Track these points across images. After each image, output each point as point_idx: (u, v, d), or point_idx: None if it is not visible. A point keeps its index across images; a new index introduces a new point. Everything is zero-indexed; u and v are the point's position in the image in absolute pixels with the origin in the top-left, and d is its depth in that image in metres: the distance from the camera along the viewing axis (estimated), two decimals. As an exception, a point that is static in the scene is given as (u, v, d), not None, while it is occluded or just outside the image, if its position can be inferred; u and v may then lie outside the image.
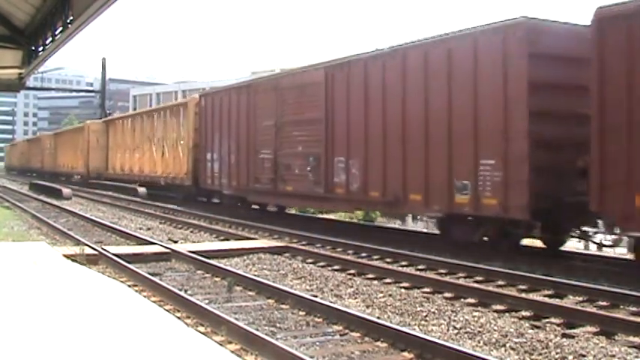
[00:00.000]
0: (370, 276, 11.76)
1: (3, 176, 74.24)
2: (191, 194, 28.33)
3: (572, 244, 15.55)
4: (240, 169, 23.04)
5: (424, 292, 10.36)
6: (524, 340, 7.55)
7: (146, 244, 15.08)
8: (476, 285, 10.72)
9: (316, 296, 9.84)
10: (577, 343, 7.50)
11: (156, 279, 10.68)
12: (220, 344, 6.63)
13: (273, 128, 20.58)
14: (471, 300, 9.75)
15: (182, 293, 9.57)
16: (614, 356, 7.05)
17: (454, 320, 8.51)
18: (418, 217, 22.34)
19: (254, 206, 23.81)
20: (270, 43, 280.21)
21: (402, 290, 10.53)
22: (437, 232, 16.26)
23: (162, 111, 33.50)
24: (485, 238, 14.06)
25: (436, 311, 9.01)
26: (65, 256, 11.70)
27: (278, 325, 8.18)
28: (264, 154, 21.21)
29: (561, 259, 13.38)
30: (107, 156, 42.85)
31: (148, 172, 33.68)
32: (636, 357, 7.07)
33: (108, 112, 61.34)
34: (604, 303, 9.52)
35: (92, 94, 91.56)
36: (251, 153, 22.01)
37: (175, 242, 16.00)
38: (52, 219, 21.09)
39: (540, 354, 7.10)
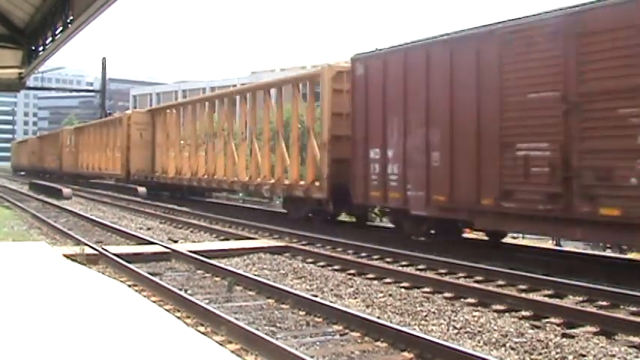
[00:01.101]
0: (370, 276, 11.76)
1: (8, 177, 69.48)
2: (327, 213, 19.63)
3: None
4: (455, 174, 14.39)
5: (424, 292, 10.36)
6: (524, 340, 7.55)
7: (146, 243, 15.08)
8: (476, 285, 10.73)
9: (316, 296, 9.84)
10: (577, 343, 7.50)
11: (156, 279, 10.68)
12: (220, 344, 6.63)
13: (557, 104, 12.22)
14: (471, 300, 9.75)
15: (182, 293, 9.57)
16: (614, 356, 7.05)
17: (454, 320, 8.51)
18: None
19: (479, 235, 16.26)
20: (270, 43, 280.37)
21: (402, 290, 10.53)
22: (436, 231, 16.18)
23: (258, 91, 24.66)
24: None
25: (436, 311, 9.01)
26: (65, 255, 11.70)
27: (278, 324, 8.18)
28: (528, 148, 12.77)
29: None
30: (154, 155, 34.25)
31: (235, 177, 24.87)
32: (636, 357, 7.07)
33: (108, 111, 61.39)
34: (604, 303, 9.52)
35: (92, 93, 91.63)
36: (485, 147, 13.60)
37: (175, 242, 16.00)
38: (52, 219, 21.08)
39: (540, 354, 7.10)
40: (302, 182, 20.33)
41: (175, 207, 25.83)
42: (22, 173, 73.31)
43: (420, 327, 8.24)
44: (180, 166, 30.42)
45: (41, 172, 61.49)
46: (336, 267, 12.71)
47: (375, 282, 11.25)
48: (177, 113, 32.13)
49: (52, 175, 56.53)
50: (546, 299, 9.82)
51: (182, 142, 30.83)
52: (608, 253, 14.46)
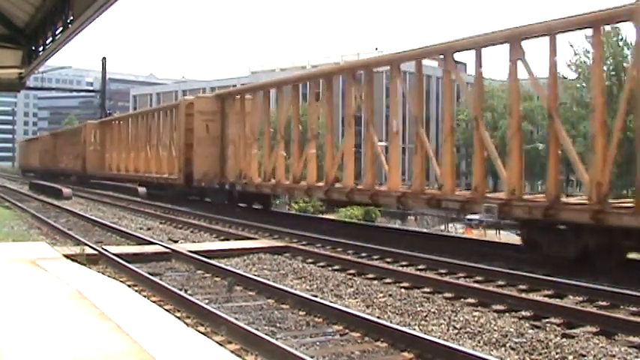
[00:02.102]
0: (370, 276, 11.75)
1: (9, 177, 66.41)
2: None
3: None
4: None
5: (424, 292, 10.36)
6: (525, 340, 7.55)
7: (146, 243, 15.08)
8: (476, 285, 10.73)
9: (316, 296, 9.84)
10: (577, 343, 7.50)
11: (156, 279, 10.69)
12: (220, 344, 6.63)
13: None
14: (471, 300, 9.75)
15: (182, 293, 9.57)
16: (614, 356, 7.05)
17: (454, 320, 8.51)
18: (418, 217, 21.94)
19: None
20: (269, 42, 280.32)
21: (402, 290, 10.52)
22: (438, 232, 16.23)
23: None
24: None
25: (436, 311, 9.01)
26: (65, 255, 11.69)
27: (278, 325, 8.18)
28: None
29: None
30: (223, 154, 26.87)
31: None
32: (636, 357, 7.07)
33: (108, 111, 61.37)
34: (604, 303, 9.52)
35: (92, 94, 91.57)
36: None
37: (175, 242, 16.01)
38: (52, 219, 21.09)
39: (540, 354, 7.10)
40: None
41: (175, 207, 25.82)
42: (31, 174, 65.77)
43: (420, 327, 8.23)
44: (271, 169, 23.53)
45: (56, 174, 53.81)
46: (336, 267, 12.70)
47: (375, 282, 11.24)
48: (266, 97, 24.73)
49: (70, 177, 49.27)
50: (546, 299, 9.83)
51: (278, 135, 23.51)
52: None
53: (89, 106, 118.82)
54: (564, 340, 7.62)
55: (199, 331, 7.24)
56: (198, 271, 12.08)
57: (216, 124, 27.31)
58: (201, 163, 27.21)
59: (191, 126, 27.81)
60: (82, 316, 6.83)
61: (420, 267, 12.65)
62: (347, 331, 7.85)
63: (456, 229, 25.60)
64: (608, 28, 16.45)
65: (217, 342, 6.76)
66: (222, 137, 27.01)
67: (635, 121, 12.27)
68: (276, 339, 7.22)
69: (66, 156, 52.75)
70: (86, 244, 13.97)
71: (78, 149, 47.31)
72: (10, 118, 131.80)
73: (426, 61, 17.22)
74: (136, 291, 9.46)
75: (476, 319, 8.59)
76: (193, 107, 28.09)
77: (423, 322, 8.49)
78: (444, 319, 8.56)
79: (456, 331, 8.07)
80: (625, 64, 16.95)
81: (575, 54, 32.95)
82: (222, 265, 12.10)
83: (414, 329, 7.99)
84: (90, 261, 12.10)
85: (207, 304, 8.86)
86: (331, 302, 9.28)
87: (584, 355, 7.04)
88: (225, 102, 27.45)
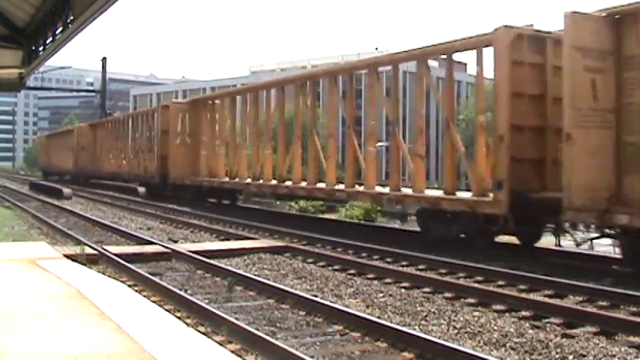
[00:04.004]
0: (370, 276, 11.75)
1: (9, 177, 63.27)
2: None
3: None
4: None
5: (424, 292, 10.36)
6: (525, 340, 7.55)
7: (146, 243, 15.09)
8: (476, 285, 10.73)
9: (316, 296, 9.84)
10: (577, 343, 7.50)
11: (156, 279, 10.69)
12: (220, 344, 6.63)
13: None
14: (471, 300, 9.75)
15: (182, 293, 9.58)
16: (614, 356, 7.05)
17: (454, 320, 8.51)
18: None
19: None
20: (269, 42, 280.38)
21: (402, 290, 10.52)
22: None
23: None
24: None
25: (436, 311, 9.01)
26: (65, 255, 11.70)
27: (278, 325, 8.18)
28: None
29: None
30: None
31: None
32: (636, 357, 7.07)
33: (108, 111, 61.36)
34: (604, 303, 9.52)
35: (92, 94, 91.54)
36: None
37: (176, 242, 16.01)
38: (53, 219, 21.09)
39: (540, 354, 7.10)
40: None
41: (175, 207, 25.83)
42: (54, 177, 53.04)
43: (420, 327, 8.23)
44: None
45: (100, 178, 41.85)
46: (336, 267, 12.70)
47: (375, 282, 11.25)
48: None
49: (145, 186, 33.49)
50: (546, 299, 9.82)
51: None
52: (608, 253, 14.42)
53: (89, 106, 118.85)
54: (564, 340, 7.62)
55: (199, 331, 7.24)
56: (199, 271, 12.08)
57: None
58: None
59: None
60: (82, 316, 6.84)
61: (420, 267, 12.65)
62: (347, 331, 7.85)
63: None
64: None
65: (217, 342, 6.76)
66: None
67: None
68: (277, 339, 7.23)
69: (118, 155, 39.26)
70: (86, 244, 13.98)
71: (146, 144, 34.37)
72: (10, 118, 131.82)
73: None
74: (136, 291, 9.47)
75: (476, 319, 8.59)
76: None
77: (423, 322, 8.49)
78: (444, 319, 8.57)
79: (456, 331, 8.08)
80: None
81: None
82: (223, 265, 12.10)
83: (414, 329, 7.99)
84: (90, 261, 12.10)
85: (207, 304, 8.87)
86: (331, 302, 9.28)
87: (584, 355, 7.05)
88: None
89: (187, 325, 7.47)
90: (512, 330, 8.01)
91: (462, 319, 8.57)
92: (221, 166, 27.01)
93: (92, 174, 44.74)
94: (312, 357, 6.66)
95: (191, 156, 29.20)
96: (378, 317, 8.52)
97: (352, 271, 12.13)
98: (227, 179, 26.33)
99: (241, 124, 27.44)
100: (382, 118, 36.05)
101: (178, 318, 7.71)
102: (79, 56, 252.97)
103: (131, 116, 40.69)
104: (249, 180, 24.71)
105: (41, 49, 14.68)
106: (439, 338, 7.40)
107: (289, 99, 23.84)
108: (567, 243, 14.89)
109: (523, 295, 10.01)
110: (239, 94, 28.00)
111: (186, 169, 29.27)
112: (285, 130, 23.55)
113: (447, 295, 10.11)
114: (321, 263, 13.13)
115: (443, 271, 12.11)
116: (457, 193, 15.90)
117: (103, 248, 13.71)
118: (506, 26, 14.18)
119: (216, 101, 28.78)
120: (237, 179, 25.52)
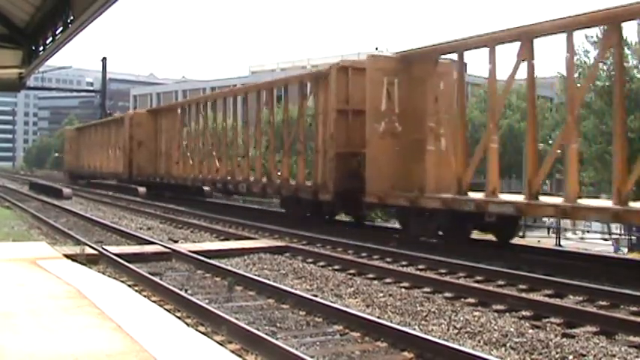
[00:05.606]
0: (370, 276, 11.76)
1: (15, 179, 58.98)
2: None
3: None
4: None
5: (424, 292, 10.36)
6: (525, 340, 7.55)
7: (146, 243, 15.09)
8: (476, 285, 10.74)
9: (316, 296, 9.84)
10: (577, 342, 7.50)
11: (156, 279, 10.69)
12: (220, 344, 6.62)
13: None
14: (471, 300, 9.75)
15: (182, 293, 9.58)
16: (614, 356, 7.05)
17: (454, 320, 8.51)
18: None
19: None
20: (269, 42, 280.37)
21: (402, 290, 10.53)
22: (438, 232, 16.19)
23: None
24: None
25: (436, 311, 9.01)
26: (65, 255, 11.68)
27: (278, 324, 8.18)
28: None
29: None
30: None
31: None
32: (636, 357, 7.07)
33: (108, 111, 61.35)
34: (604, 303, 9.52)
35: (92, 94, 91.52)
36: None
37: (176, 242, 16.01)
38: (53, 219, 21.10)
39: (540, 354, 7.10)
40: None
41: (175, 207, 25.84)
42: (92, 182, 43.56)
43: (420, 327, 8.24)
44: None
45: (170, 189, 32.13)
46: (336, 267, 12.71)
47: (375, 282, 11.25)
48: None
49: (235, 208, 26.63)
50: (546, 299, 9.83)
51: None
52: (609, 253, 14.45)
53: (89, 106, 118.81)
54: (564, 339, 7.62)
55: (199, 331, 7.24)
56: (199, 271, 12.09)
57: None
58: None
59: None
60: (82, 316, 6.83)
61: (420, 267, 12.65)
62: (347, 330, 7.85)
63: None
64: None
65: (217, 342, 6.76)
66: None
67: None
68: (277, 339, 7.23)
69: (220, 155, 26.87)
70: (86, 244, 13.98)
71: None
72: (10, 118, 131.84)
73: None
74: (136, 291, 9.46)
75: (476, 318, 8.59)
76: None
77: (423, 322, 8.49)
78: (444, 319, 8.57)
79: (456, 330, 8.08)
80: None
81: (576, 54, 33.00)
82: (223, 265, 12.10)
83: (414, 329, 7.99)
84: (90, 261, 12.10)
85: (207, 303, 8.87)
86: (331, 302, 9.28)
87: (584, 355, 7.05)
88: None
89: (187, 325, 7.46)
90: (512, 330, 8.01)
91: (462, 318, 8.57)
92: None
93: (160, 181, 33.48)
94: (312, 357, 6.65)
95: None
96: (378, 317, 8.52)
97: (352, 271, 12.14)
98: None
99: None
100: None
101: (178, 318, 7.71)
102: (79, 56, 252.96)
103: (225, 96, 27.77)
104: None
105: (41, 49, 14.69)
106: (439, 338, 7.41)
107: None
108: (567, 243, 14.91)
109: (523, 294, 10.01)
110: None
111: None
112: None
113: (447, 294, 10.12)
114: (321, 263, 13.14)
115: (443, 271, 12.11)
116: None
117: (103, 248, 13.71)
118: None
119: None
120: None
